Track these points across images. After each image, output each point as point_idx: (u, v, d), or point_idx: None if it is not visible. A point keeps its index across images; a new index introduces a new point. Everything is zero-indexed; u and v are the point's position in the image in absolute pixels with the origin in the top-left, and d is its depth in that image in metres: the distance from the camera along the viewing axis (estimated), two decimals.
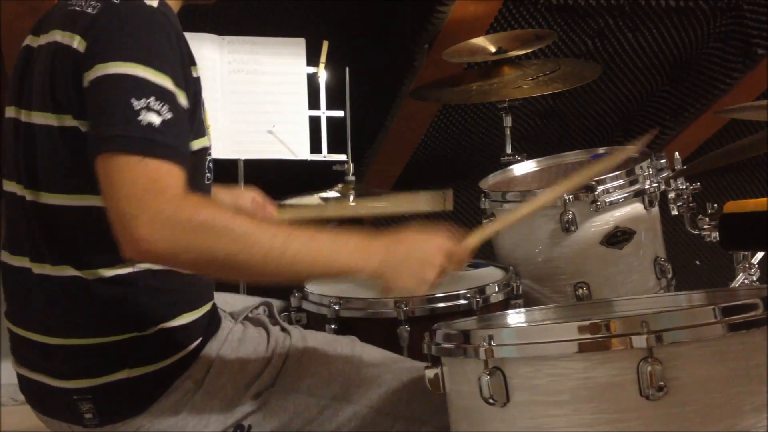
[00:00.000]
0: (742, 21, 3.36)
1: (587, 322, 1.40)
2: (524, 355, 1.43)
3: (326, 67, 2.81)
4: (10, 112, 1.64)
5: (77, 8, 1.52)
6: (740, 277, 2.40)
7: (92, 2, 1.50)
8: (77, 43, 1.48)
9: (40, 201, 1.55)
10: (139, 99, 1.39)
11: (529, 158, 2.64)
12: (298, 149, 2.80)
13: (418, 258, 1.52)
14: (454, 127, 3.71)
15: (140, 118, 1.38)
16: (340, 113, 2.84)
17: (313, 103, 2.84)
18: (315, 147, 2.82)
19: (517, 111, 2.80)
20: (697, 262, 3.70)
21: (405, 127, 3.52)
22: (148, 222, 1.33)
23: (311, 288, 2.19)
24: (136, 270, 1.54)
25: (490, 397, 1.43)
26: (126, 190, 1.35)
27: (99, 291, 1.54)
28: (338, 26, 3.21)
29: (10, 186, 1.62)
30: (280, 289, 2.07)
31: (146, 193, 1.35)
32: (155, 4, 1.51)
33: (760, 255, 2.41)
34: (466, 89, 2.73)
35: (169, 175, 1.38)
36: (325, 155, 2.84)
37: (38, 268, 1.57)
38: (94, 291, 1.54)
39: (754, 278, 2.38)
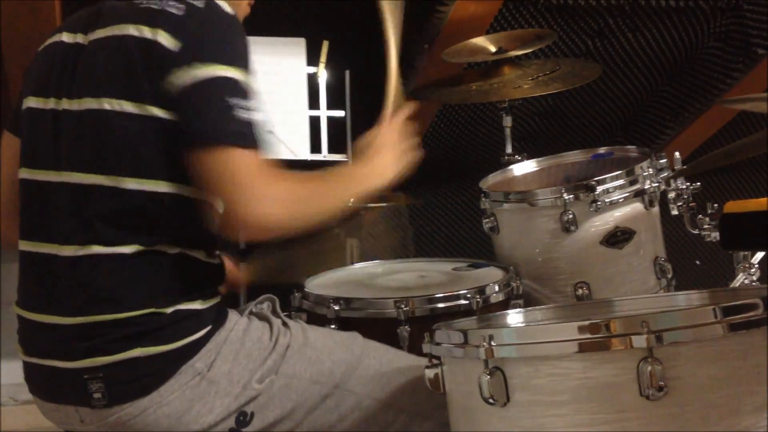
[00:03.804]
0: (742, 21, 3.36)
1: (587, 322, 1.40)
2: (524, 355, 1.43)
3: (326, 67, 2.81)
4: (38, 103, 1.71)
5: (153, 6, 1.64)
6: (740, 277, 2.39)
7: (171, 2, 1.63)
8: (164, 39, 1.60)
9: (88, 183, 1.62)
10: (237, 98, 1.58)
11: (529, 158, 2.64)
12: (298, 149, 2.80)
13: (385, 160, 1.83)
14: (454, 127, 3.71)
15: (240, 115, 1.57)
16: (340, 113, 2.84)
17: (313, 103, 2.84)
18: (315, 147, 2.82)
19: (517, 111, 2.79)
20: (697, 262, 3.70)
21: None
22: (264, 202, 1.57)
23: (311, 288, 2.19)
24: (168, 251, 1.63)
25: (490, 397, 1.43)
26: (242, 177, 1.56)
27: (133, 266, 1.61)
28: (338, 26, 3.21)
29: (36, 174, 1.70)
30: (280, 288, 2.07)
31: (258, 179, 1.57)
32: (231, 11, 1.65)
33: (760, 255, 2.41)
34: (466, 89, 2.73)
35: (265, 162, 1.61)
36: (325, 155, 2.84)
37: (68, 250, 1.63)
38: (130, 266, 1.61)
39: (754, 278, 2.38)
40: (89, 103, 1.64)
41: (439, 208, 4.01)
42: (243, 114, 1.58)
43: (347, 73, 2.82)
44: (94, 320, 1.61)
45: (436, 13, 3.00)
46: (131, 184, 1.61)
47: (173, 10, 1.63)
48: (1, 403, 3.42)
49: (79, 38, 1.71)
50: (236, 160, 1.56)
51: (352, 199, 1.76)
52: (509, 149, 2.72)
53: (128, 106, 1.60)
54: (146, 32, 1.61)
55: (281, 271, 2.50)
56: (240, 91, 1.59)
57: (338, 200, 1.72)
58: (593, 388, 1.39)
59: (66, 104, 1.67)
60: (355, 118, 2.83)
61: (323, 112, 2.85)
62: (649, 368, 1.35)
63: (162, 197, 1.61)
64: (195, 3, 1.64)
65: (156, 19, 1.62)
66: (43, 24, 2.80)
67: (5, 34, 2.80)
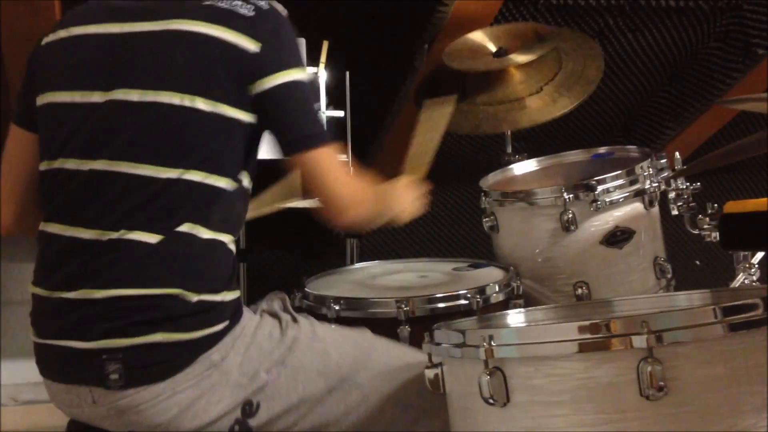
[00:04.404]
0: (742, 21, 3.36)
1: (587, 322, 1.40)
2: (524, 355, 1.43)
3: (326, 67, 2.81)
4: (74, 96, 1.70)
5: (219, 4, 1.68)
6: (740, 277, 2.40)
7: (237, 2, 1.68)
8: (236, 39, 1.65)
9: (141, 174, 1.65)
10: (311, 97, 1.73)
11: (529, 158, 2.64)
12: None
13: (405, 199, 1.97)
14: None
15: (316, 114, 1.71)
16: (340, 113, 2.84)
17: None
18: None
19: None
20: (697, 262, 3.70)
21: (405, 127, 3.52)
22: (353, 195, 1.73)
23: (311, 288, 2.20)
24: (202, 235, 1.66)
25: (490, 397, 1.43)
26: (336, 173, 1.71)
27: (168, 250, 1.64)
28: (338, 26, 3.21)
29: (81, 164, 1.69)
30: (281, 288, 2.07)
31: (342, 173, 1.72)
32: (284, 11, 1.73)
33: (760, 255, 2.41)
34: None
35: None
36: None
37: (107, 236, 1.64)
38: (164, 250, 1.64)
39: (754, 278, 2.39)
40: (151, 96, 1.65)
41: (439, 207, 4.01)
42: (317, 112, 1.70)
43: (347, 73, 2.82)
44: (119, 294, 1.62)
45: (436, 13, 3.00)
46: (190, 176, 1.64)
47: (243, 11, 1.66)
48: (1, 403, 3.42)
49: (115, 28, 1.70)
50: (323, 158, 1.69)
51: (382, 217, 1.88)
52: (509, 149, 2.72)
53: (197, 102, 1.64)
54: (214, 30, 1.65)
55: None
56: (312, 90, 1.72)
57: (385, 211, 1.88)
58: (593, 388, 1.39)
59: (120, 95, 1.67)
60: (355, 118, 2.83)
61: (323, 112, 2.85)
62: (649, 368, 1.35)
63: (210, 191, 1.65)
64: (260, 4, 1.69)
65: (225, 18, 1.66)
66: (43, 24, 2.80)
67: (5, 34, 2.80)
